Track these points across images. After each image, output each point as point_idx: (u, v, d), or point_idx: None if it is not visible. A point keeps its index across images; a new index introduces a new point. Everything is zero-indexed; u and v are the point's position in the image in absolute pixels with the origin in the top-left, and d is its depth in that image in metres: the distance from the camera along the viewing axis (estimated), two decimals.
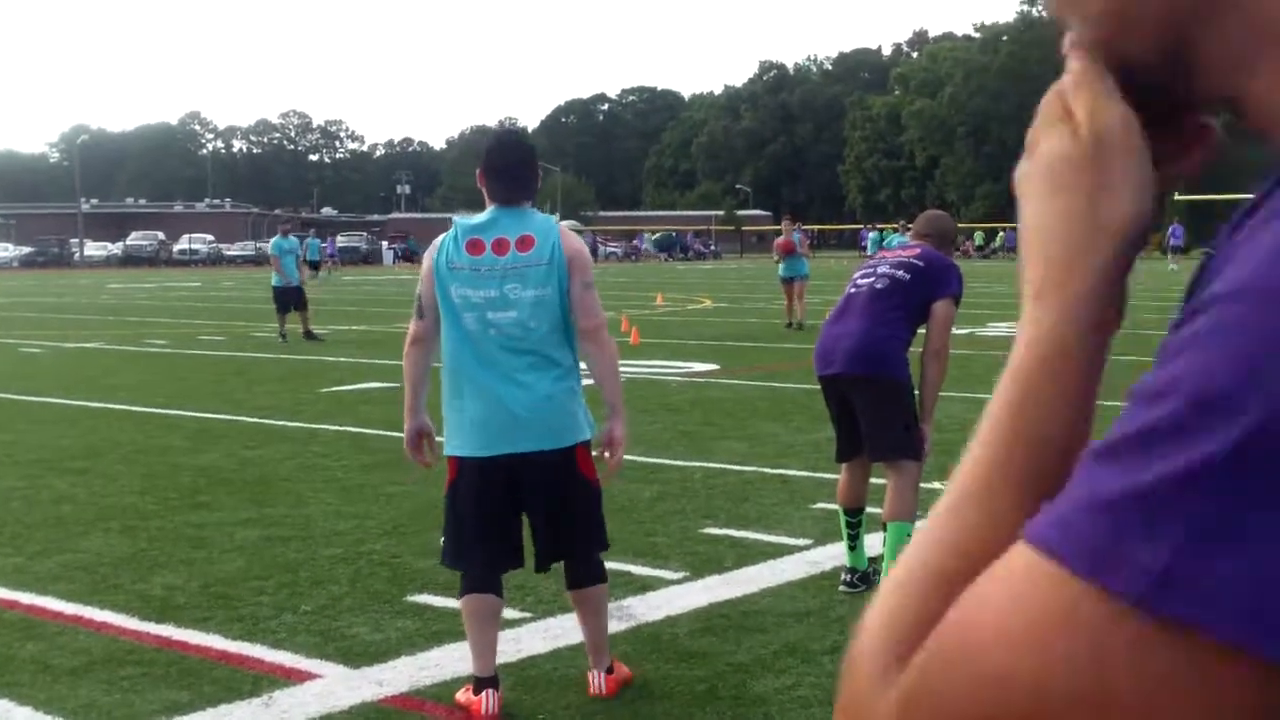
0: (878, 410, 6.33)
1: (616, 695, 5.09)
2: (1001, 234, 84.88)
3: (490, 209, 5.01)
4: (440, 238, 5.07)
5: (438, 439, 5.11)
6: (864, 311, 6.37)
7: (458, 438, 4.97)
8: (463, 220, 5.09)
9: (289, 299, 22.38)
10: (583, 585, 5.13)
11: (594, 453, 5.05)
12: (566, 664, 5.30)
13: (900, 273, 6.39)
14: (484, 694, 4.92)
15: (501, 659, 5.44)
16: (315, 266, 53.23)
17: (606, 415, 5.06)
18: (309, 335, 22.22)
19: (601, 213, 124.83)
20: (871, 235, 35.55)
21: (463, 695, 5.00)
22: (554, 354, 4.95)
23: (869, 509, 6.72)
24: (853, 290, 6.54)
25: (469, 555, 5.04)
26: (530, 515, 5.07)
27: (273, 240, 24.21)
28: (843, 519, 6.67)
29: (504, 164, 5.03)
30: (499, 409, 4.88)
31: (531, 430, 4.89)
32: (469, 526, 5.02)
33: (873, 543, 6.70)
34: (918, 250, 6.53)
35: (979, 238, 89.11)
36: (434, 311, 5.01)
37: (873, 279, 6.46)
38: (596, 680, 5.20)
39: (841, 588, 6.52)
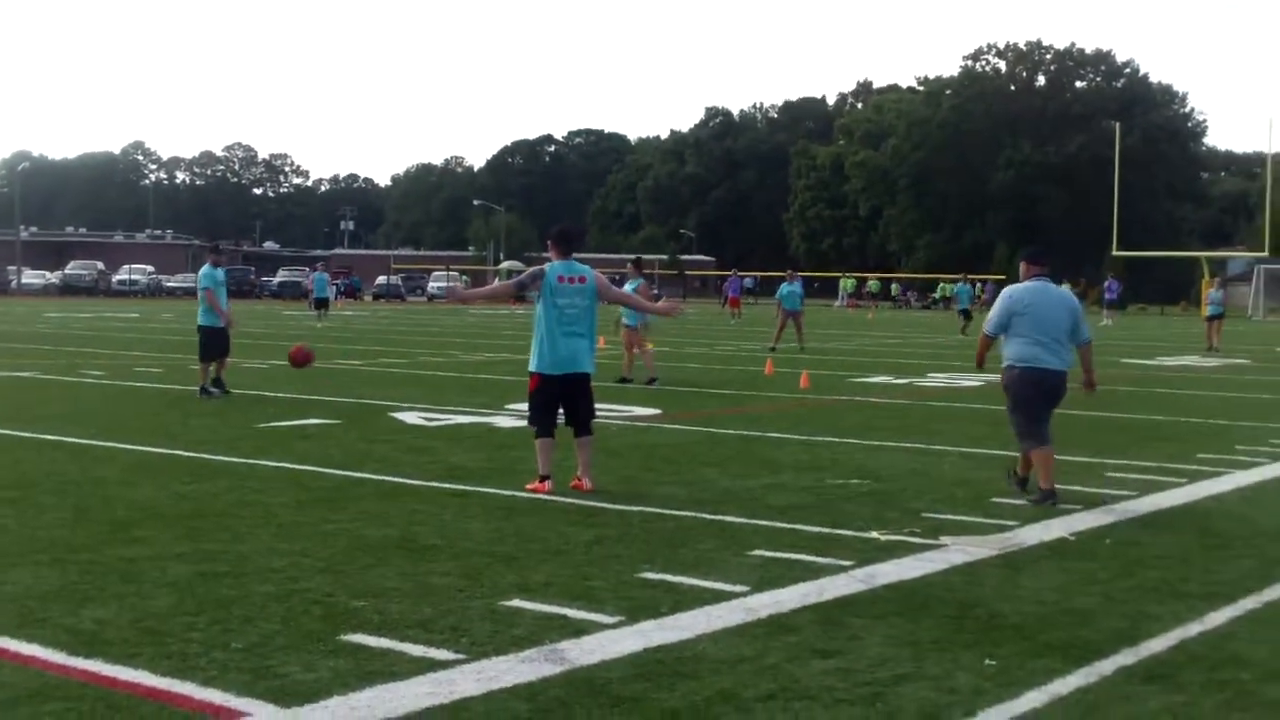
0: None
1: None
2: (951, 286, 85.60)
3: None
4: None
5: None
6: None
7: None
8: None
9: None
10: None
11: None
12: (499, 706, 5.27)
13: None
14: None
15: (434, 700, 5.42)
16: (323, 305, 49.68)
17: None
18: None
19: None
20: (846, 283, 34.70)
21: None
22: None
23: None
24: None
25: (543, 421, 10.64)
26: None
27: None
28: None
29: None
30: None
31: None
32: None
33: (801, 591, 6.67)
34: None
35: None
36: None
37: None
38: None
39: None
